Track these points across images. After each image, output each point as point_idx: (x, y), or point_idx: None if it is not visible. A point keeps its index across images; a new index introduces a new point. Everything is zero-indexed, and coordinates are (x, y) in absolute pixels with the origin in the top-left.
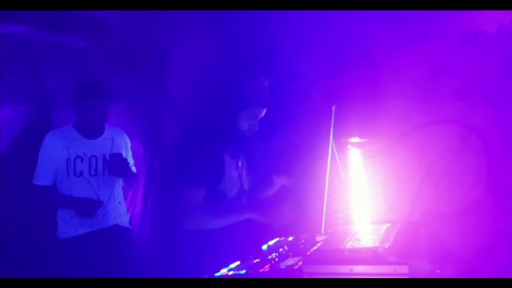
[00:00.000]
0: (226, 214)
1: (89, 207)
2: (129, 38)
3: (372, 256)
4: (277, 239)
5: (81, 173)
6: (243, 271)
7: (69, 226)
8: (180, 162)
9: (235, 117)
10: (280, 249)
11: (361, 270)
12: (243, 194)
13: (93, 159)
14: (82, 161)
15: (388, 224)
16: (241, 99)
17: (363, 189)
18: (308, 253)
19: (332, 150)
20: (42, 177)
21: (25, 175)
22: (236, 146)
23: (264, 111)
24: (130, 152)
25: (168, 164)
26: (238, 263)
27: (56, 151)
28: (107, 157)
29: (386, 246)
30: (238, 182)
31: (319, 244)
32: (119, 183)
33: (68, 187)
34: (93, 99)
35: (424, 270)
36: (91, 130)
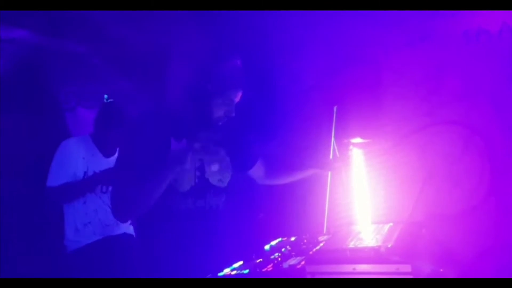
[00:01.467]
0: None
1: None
2: (131, 40)
3: (374, 255)
4: (280, 239)
5: (94, 189)
6: (246, 271)
7: (80, 234)
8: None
9: (209, 102)
10: (283, 249)
11: (364, 269)
12: (203, 191)
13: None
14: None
15: (391, 224)
16: (213, 82)
17: (365, 189)
18: (310, 253)
19: (334, 150)
20: (59, 177)
21: (27, 180)
22: (202, 135)
23: (240, 94)
24: None
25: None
26: (241, 263)
27: (77, 160)
28: None
29: (389, 246)
30: (194, 176)
31: (321, 244)
32: None
33: (83, 199)
34: (114, 124)
35: (426, 270)
36: (107, 148)
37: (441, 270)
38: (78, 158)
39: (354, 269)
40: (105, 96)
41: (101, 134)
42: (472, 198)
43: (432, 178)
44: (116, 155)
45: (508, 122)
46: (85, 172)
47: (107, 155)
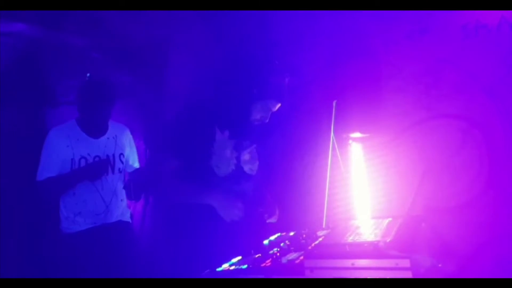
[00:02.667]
0: (191, 187)
1: (97, 168)
2: (130, 34)
3: (373, 250)
4: (278, 234)
5: (83, 177)
6: (245, 266)
7: (73, 223)
8: (171, 137)
9: (250, 105)
10: (282, 244)
11: (363, 264)
12: (238, 177)
13: (96, 159)
14: (86, 161)
15: (390, 219)
16: (260, 89)
17: (364, 183)
18: (309, 247)
19: (333, 145)
20: (46, 171)
21: (27, 174)
22: (240, 130)
23: (278, 106)
24: (134, 148)
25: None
26: (239, 258)
27: (61, 149)
28: (111, 157)
29: (388, 240)
30: (232, 164)
31: (320, 239)
32: (121, 181)
33: (72, 190)
34: (98, 100)
35: (425, 265)
36: (95, 129)
37: (440, 265)
38: (61, 148)
39: (353, 264)
40: (87, 74)
41: (86, 115)
42: (471, 191)
43: (431, 172)
44: (107, 134)
45: (506, 116)
46: (72, 160)
47: (95, 136)
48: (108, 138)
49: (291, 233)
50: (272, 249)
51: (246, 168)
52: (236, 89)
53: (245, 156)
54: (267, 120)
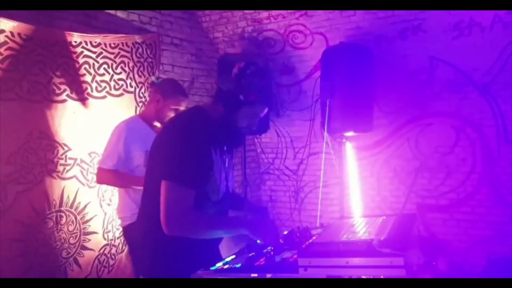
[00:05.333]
0: (218, 225)
1: None
2: None
3: (367, 249)
4: None
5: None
6: (239, 265)
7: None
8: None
9: (237, 112)
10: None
11: (357, 263)
12: (227, 198)
13: None
14: None
15: (383, 217)
16: (247, 95)
17: (358, 182)
18: (303, 246)
19: (327, 144)
20: (112, 161)
21: None
22: (228, 143)
23: (265, 111)
24: None
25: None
26: (233, 256)
27: (134, 142)
28: None
29: (382, 239)
30: (224, 184)
31: (314, 237)
32: None
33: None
34: (178, 98)
35: (419, 262)
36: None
37: (434, 263)
38: (134, 141)
39: (347, 262)
40: (153, 78)
41: (158, 113)
42: (464, 189)
43: (425, 170)
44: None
45: (499, 114)
46: (146, 151)
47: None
48: None
49: (285, 232)
50: (266, 247)
51: (230, 187)
52: (221, 93)
53: (230, 173)
54: (254, 128)
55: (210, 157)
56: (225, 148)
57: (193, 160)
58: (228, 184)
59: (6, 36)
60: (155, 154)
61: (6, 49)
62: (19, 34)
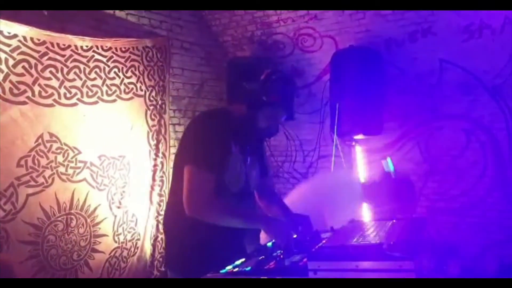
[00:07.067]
0: (239, 215)
1: None
2: None
3: (377, 252)
4: None
5: None
6: (248, 268)
7: None
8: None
9: (258, 111)
10: None
11: (367, 266)
12: (247, 192)
13: None
14: None
15: (393, 221)
16: (270, 96)
17: (368, 185)
18: (313, 249)
19: (336, 147)
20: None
21: None
22: (249, 142)
23: (284, 117)
24: None
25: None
26: (243, 260)
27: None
28: None
29: (392, 242)
30: (243, 179)
31: (324, 241)
32: None
33: None
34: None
35: (429, 266)
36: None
37: (445, 267)
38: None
39: (357, 266)
40: None
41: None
42: (475, 193)
43: (435, 173)
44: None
45: (510, 116)
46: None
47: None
48: None
49: (295, 235)
50: (275, 251)
51: (253, 183)
52: (247, 92)
53: (254, 172)
54: (273, 131)
55: (229, 148)
56: (247, 148)
57: (211, 146)
58: (248, 180)
59: (19, 40)
60: (181, 144)
61: (19, 54)
62: (31, 39)
